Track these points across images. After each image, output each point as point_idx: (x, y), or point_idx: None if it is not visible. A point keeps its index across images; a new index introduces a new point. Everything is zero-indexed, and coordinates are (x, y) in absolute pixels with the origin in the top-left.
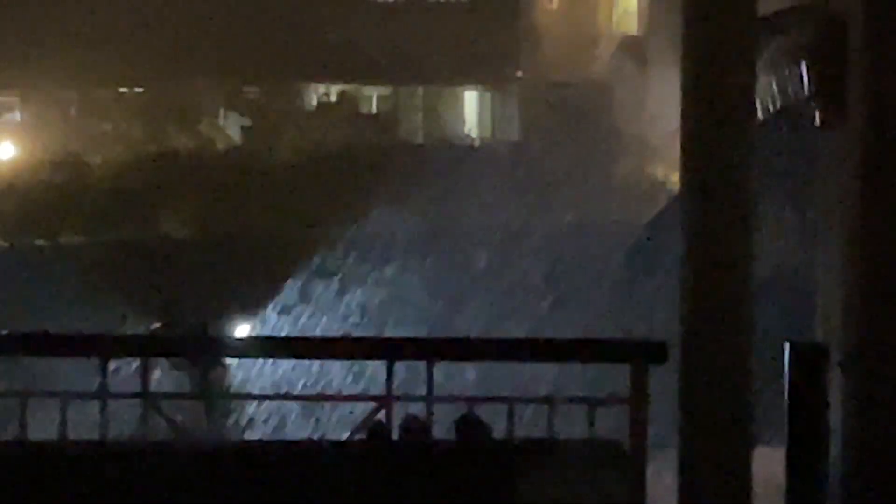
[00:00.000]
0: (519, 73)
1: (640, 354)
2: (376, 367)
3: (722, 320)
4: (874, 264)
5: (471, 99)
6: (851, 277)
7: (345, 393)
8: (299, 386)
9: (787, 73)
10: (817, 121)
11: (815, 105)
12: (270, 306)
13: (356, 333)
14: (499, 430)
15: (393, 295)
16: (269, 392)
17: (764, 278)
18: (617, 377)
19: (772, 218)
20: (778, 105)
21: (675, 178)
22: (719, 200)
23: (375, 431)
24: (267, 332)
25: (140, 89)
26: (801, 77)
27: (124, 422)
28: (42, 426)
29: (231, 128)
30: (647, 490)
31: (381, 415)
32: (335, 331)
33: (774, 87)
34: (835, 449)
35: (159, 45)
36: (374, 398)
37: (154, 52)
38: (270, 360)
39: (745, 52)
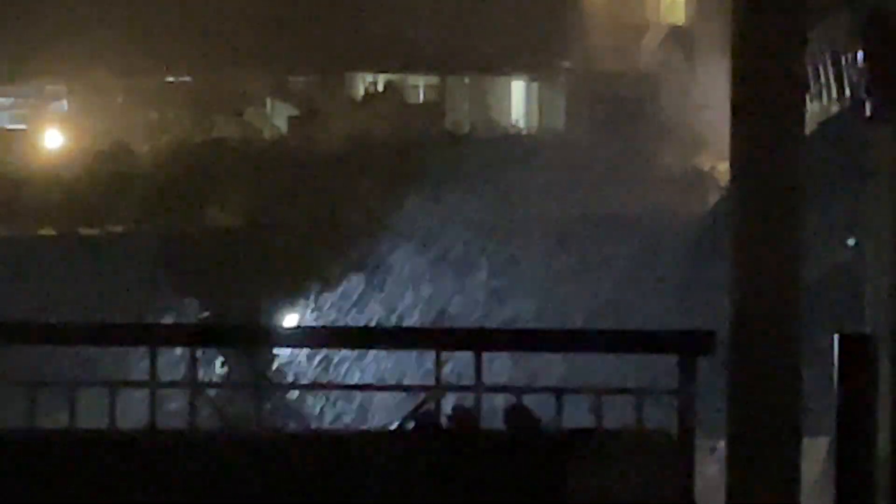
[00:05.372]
0: (566, 63)
1: (688, 345)
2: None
3: (771, 311)
4: None
5: (518, 89)
6: None
7: None
8: None
9: (841, 62)
10: (868, 111)
11: (869, 94)
12: (318, 295)
13: (402, 323)
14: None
15: (441, 284)
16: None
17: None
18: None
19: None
20: (833, 93)
21: (722, 169)
22: (769, 191)
23: (424, 421)
24: (314, 321)
25: (187, 78)
26: (858, 64)
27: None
28: (91, 415)
29: (278, 117)
30: (695, 480)
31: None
32: (380, 320)
33: (830, 76)
34: (883, 440)
35: (206, 35)
36: (422, 388)
37: (201, 41)
38: None
39: (795, 41)
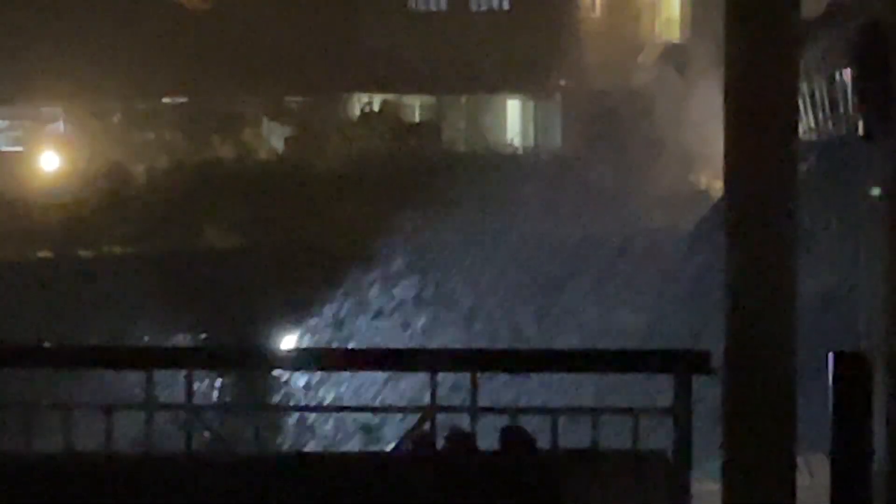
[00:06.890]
0: (561, 82)
1: (684, 364)
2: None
3: (766, 329)
4: None
5: (513, 107)
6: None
7: None
8: None
9: (835, 79)
10: (861, 130)
11: (861, 114)
12: (315, 316)
13: (400, 343)
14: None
15: (437, 304)
16: None
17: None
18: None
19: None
20: (826, 112)
21: (717, 186)
22: (763, 208)
23: (420, 442)
24: (312, 342)
25: (183, 99)
26: (848, 84)
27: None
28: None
29: (274, 138)
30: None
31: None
32: (380, 340)
33: (824, 94)
34: (879, 459)
35: (202, 56)
36: (417, 409)
37: (197, 62)
38: None
39: (788, 58)
